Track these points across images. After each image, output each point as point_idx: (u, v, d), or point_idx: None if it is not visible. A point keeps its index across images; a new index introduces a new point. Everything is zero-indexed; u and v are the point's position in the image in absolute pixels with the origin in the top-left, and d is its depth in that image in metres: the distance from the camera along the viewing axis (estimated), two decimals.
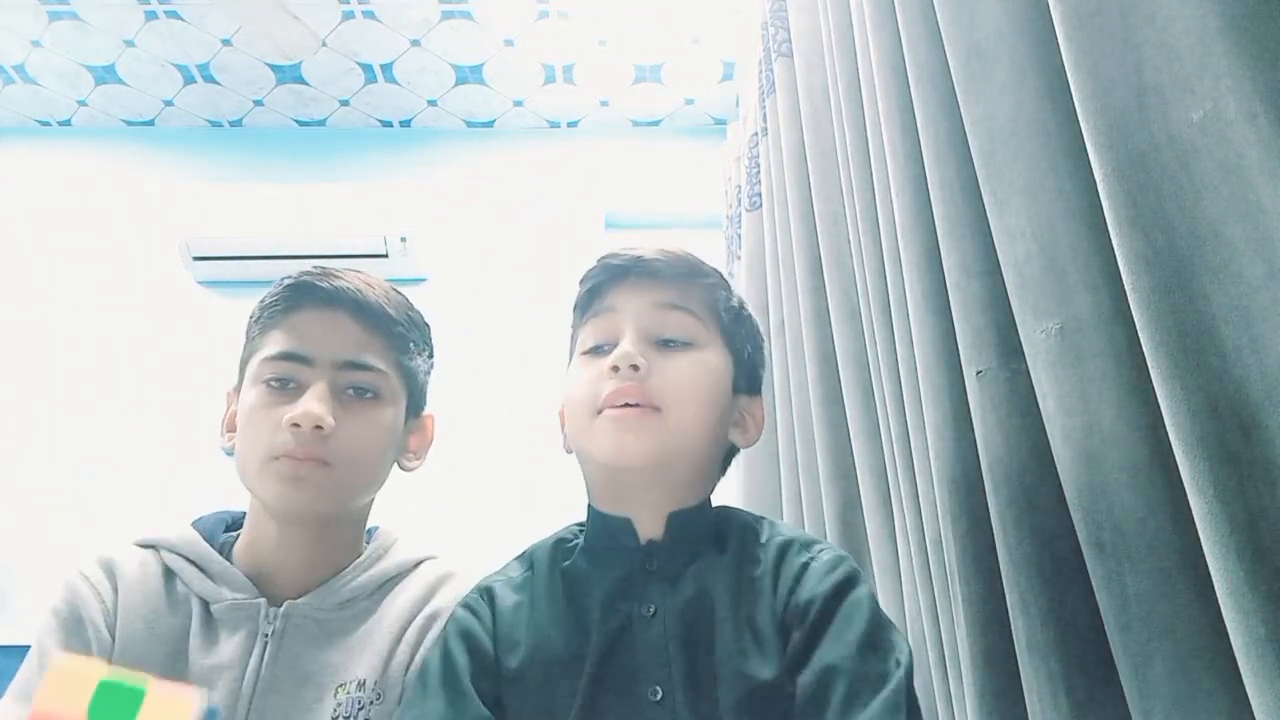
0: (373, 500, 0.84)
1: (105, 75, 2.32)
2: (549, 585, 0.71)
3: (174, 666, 0.72)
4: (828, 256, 1.15)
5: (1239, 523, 0.43)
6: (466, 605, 0.72)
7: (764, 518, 0.75)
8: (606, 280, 0.73)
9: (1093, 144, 0.53)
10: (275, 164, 2.49)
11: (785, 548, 0.69)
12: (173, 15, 2.12)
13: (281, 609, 0.76)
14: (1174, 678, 0.50)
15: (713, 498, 0.76)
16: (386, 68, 2.31)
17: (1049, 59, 0.62)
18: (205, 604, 0.76)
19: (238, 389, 0.81)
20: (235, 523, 0.84)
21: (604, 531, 0.72)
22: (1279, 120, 0.43)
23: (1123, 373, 0.55)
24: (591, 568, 0.71)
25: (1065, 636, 0.61)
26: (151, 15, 2.12)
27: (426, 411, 0.88)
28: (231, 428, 0.81)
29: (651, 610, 0.66)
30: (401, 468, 0.85)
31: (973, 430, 0.71)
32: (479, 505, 2.05)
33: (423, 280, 2.35)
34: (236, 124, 2.53)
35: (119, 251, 2.40)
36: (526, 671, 0.66)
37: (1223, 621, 0.45)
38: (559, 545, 0.74)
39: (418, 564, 0.85)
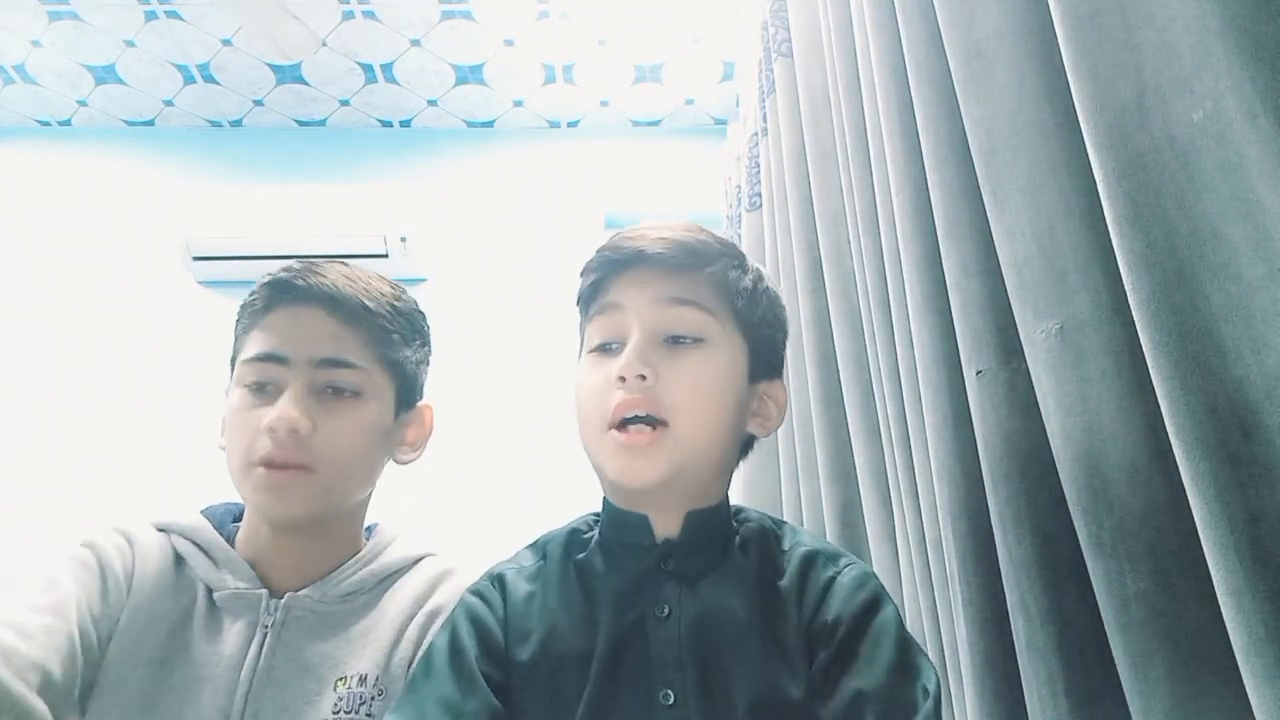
0: (369, 494, 0.83)
1: (105, 75, 2.32)
2: (562, 577, 0.69)
3: (174, 646, 0.72)
4: (828, 256, 1.15)
5: (1239, 523, 0.43)
6: (477, 592, 0.71)
7: (783, 521, 0.74)
8: (608, 273, 0.70)
9: (1093, 144, 0.53)
10: (275, 164, 2.49)
11: (810, 560, 0.67)
12: (173, 15, 2.12)
13: (283, 600, 0.76)
14: (1174, 678, 0.50)
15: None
16: (386, 68, 2.31)
17: (1049, 59, 0.62)
18: (209, 591, 0.76)
19: (229, 390, 0.81)
20: (241, 514, 0.84)
21: (619, 527, 0.70)
22: (1279, 120, 0.43)
23: (1123, 373, 0.55)
24: (605, 562, 0.69)
25: (1065, 637, 0.61)
26: (151, 15, 2.12)
27: (423, 402, 0.86)
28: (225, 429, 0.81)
29: (666, 611, 0.65)
30: (396, 461, 0.84)
31: (972, 430, 0.71)
32: (479, 504, 2.05)
33: (423, 280, 2.35)
34: (236, 124, 2.53)
35: (119, 251, 2.40)
36: (536, 664, 0.64)
37: (1223, 621, 0.45)
38: (573, 536, 0.73)
39: (418, 560, 0.84)
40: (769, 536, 0.70)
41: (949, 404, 0.76)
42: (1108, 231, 0.52)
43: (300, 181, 2.37)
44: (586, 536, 0.72)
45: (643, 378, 0.64)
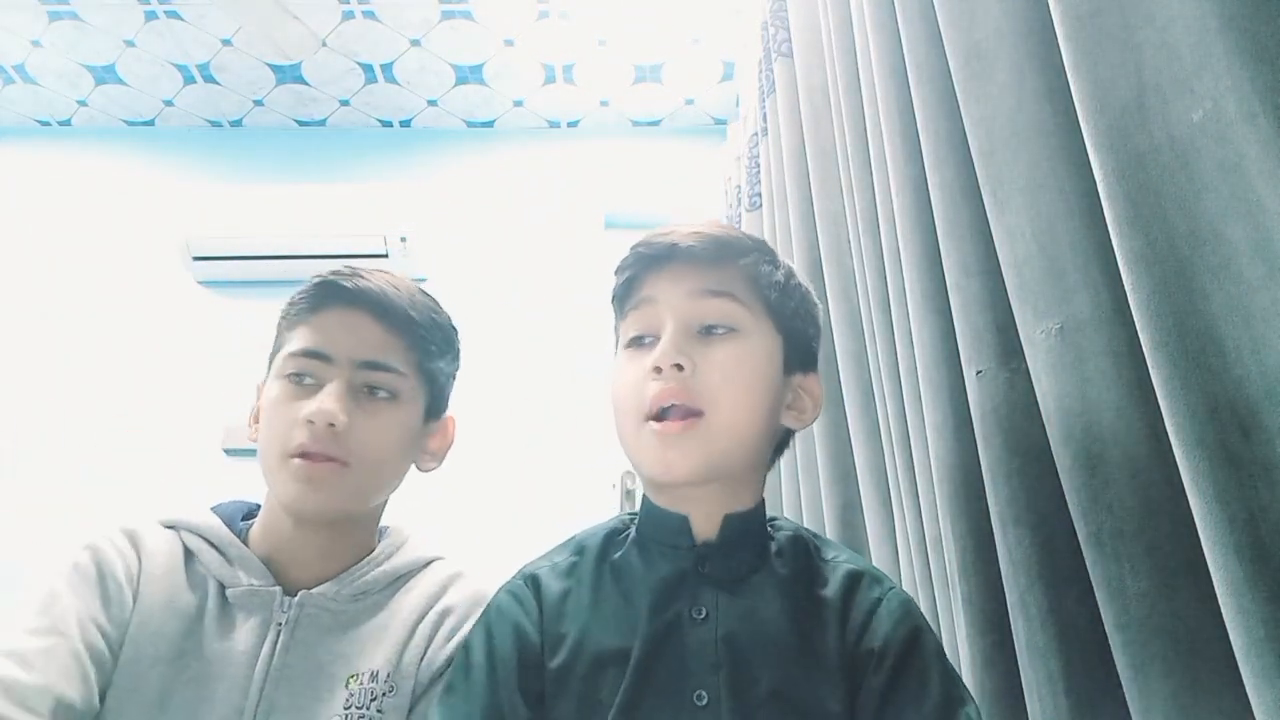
0: (387, 499, 0.85)
1: (105, 75, 2.32)
2: (597, 576, 0.69)
3: (187, 643, 0.73)
4: (828, 256, 1.15)
5: (1239, 523, 0.43)
6: (512, 593, 0.70)
7: (816, 533, 0.74)
8: (642, 270, 0.71)
9: (1093, 144, 0.53)
10: (275, 164, 2.49)
11: (856, 578, 0.67)
12: (173, 15, 2.12)
13: (296, 598, 0.76)
14: (1174, 678, 0.50)
15: None
16: (386, 68, 2.31)
17: (1049, 59, 0.62)
18: (221, 587, 0.77)
19: (264, 383, 0.82)
20: (251, 513, 0.85)
21: (658, 526, 0.69)
22: (1279, 120, 0.43)
23: (1123, 373, 0.55)
24: (642, 562, 0.69)
25: (1065, 637, 0.61)
26: (151, 15, 2.12)
27: (448, 414, 0.89)
28: (257, 420, 0.82)
29: (703, 614, 0.65)
30: (419, 468, 0.86)
31: (972, 430, 0.71)
32: (479, 504, 2.05)
33: (423, 280, 2.35)
34: (236, 124, 2.53)
35: (119, 251, 2.40)
36: (572, 665, 0.64)
37: (1223, 621, 0.44)
38: (611, 536, 0.72)
39: (429, 563, 0.86)
40: (807, 545, 0.71)
41: (949, 404, 0.76)
42: (1108, 231, 0.52)
43: (300, 181, 2.37)
44: (623, 536, 0.72)
45: (679, 367, 0.65)
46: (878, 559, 1.00)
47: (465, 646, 0.69)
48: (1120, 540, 0.54)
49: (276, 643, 0.74)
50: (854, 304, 1.08)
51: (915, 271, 0.83)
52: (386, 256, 2.25)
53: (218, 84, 2.36)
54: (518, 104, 2.45)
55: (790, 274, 0.73)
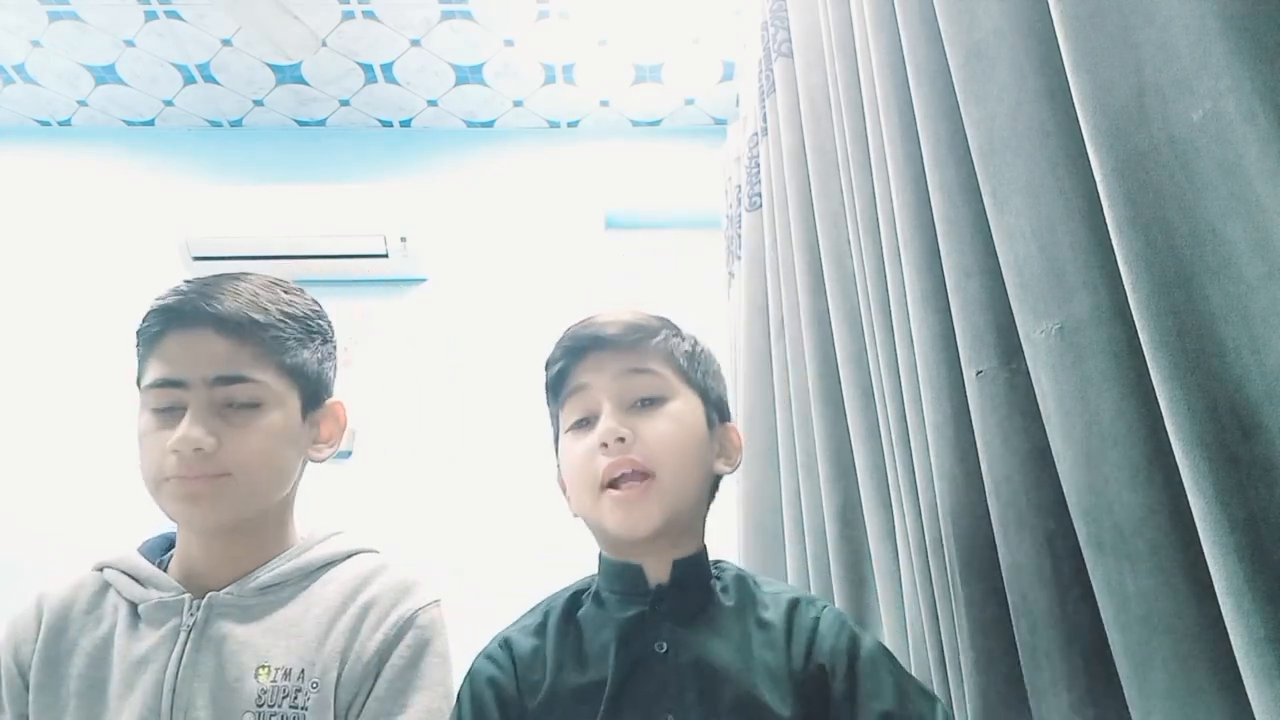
0: (291, 495, 0.86)
1: (105, 75, 2.32)
2: (563, 629, 0.77)
3: (98, 671, 0.76)
4: (828, 256, 1.15)
5: (1239, 523, 0.43)
6: (489, 657, 0.78)
7: (753, 573, 0.83)
8: (571, 361, 0.81)
9: (1092, 144, 0.53)
10: (275, 164, 2.49)
11: (794, 603, 0.77)
12: (173, 15, 2.12)
13: (204, 599, 0.78)
14: (1174, 678, 0.50)
15: (712, 508, 0.83)
16: (386, 68, 2.31)
17: (1049, 59, 0.62)
18: (133, 607, 0.79)
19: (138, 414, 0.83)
20: (171, 547, 0.87)
21: (616, 577, 0.78)
22: (1278, 120, 0.43)
23: (1123, 373, 0.55)
24: (605, 610, 0.77)
25: (1065, 637, 0.61)
26: (151, 15, 2.12)
27: (333, 399, 0.89)
28: None
29: (664, 648, 0.73)
30: (312, 459, 0.86)
31: (973, 431, 0.71)
32: (478, 503, 2.05)
33: (423, 280, 2.35)
34: (236, 124, 2.53)
35: (119, 251, 2.40)
36: (550, 702, 0.72)
37: (1223, 621, 0.44)
38: (574, 598, 0.81)
39: (351, 554, 0.86)
40: (748, 581, 0.81)
41: (949, 404, 0.76)
42: (1107, 231, 0.52)
43: (300, 181, 2.37)
44: (585, 594, 0.81)
45: (622, 440, 0.74)
46: (878, 559, 1.00)
47: (456, 704, 0.77)
48: (1120, 540, 0.54)
49: (186, 644, 0.76)
50: (854, 304, 1.08)
51: (915, 272, 0.83)
52: (386, 256, 2.25)
53: (218, 84, 2.36)
54: (518, 104, 2.45)
55: (695, 341, 0.84)
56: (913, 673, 0.80)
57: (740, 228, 1.78)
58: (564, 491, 0.85)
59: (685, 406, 0.79)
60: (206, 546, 0.81)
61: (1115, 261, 0.52)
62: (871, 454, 1.02)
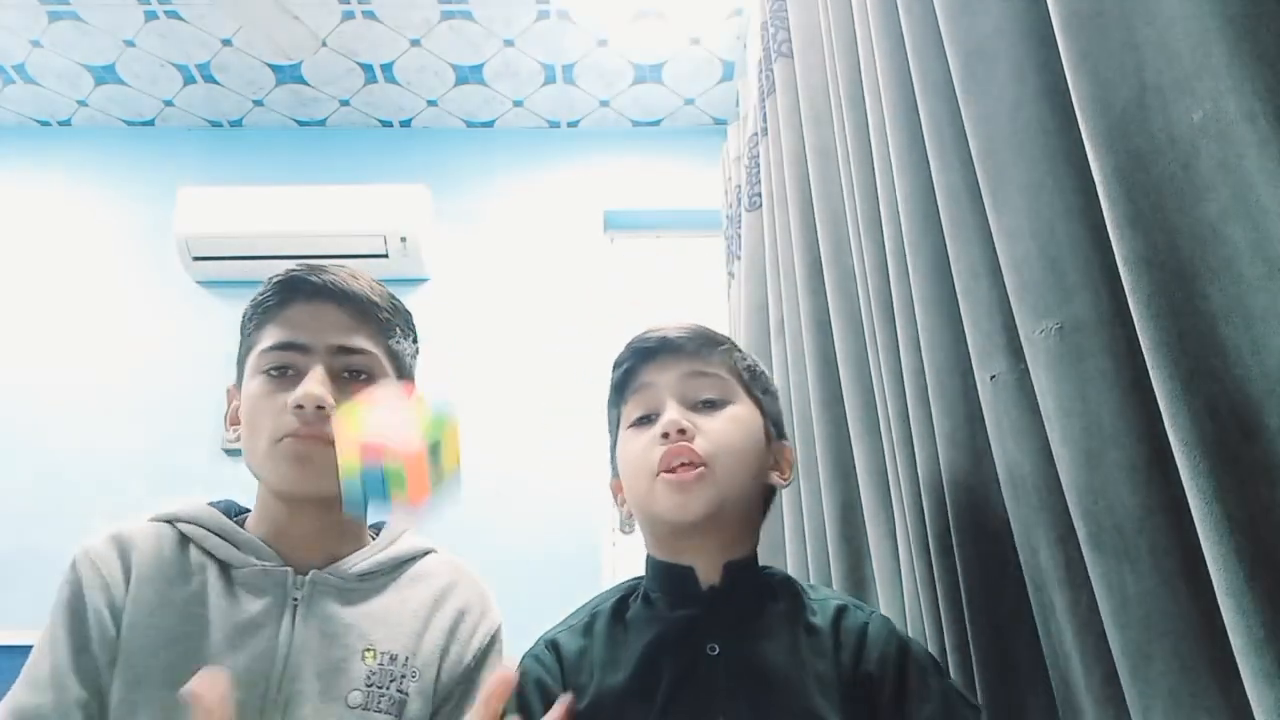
0: None
1: (105, 75, 2.32)
2: (612, 631, 0.78)
3: (189, 626, 0.76)
4: (828, 257, 1.16)
5: (1239, 523, 0.43)
6: (535, 658, 0.78)
7: (794, 577, 0.84)
8: (638, 362, 0.82)
9: (1093, 144, 0.53)
10: (275, 164, 2.49)
11: (842, 610, 0.77)
12: (173, 15, 2.12)
13: (309, 576, 0.80)
14: (1174, 678, 0.50)
15: None
16: (386, 68, 2.31)
17: (1049, 59, 0.62)
18: (223, 569, 0.80)
19: (238, 385, 0.86)
20: (240, 512, 0.88)
21: (666, 579, 0.79)
22: (1279, 121, 0.43)
23: (1123, 373, 0.55)
24: (654, 612, 0.78)
25: (1066, 638, 0.61)
26: (151, 15, 2.12)
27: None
28: (235, 422, 0.85)
29: (716, 650, 0.73)
30: None
31: (986, 435, 0.71)
32: (481, 503, 2.05)
33: (423, 280, 2.35)
34: (236, 124, 2.53)
35: (119, 251, 2.40)
36: (596, 707, 0.72)
37: (1223, 621, 0.45)
38: (623, 598, 0.81)
39: (425, 553, 0.90)
40: (796, 585, 0.81)
41: (962, 409, 0.76)
42: (1107, 231, 0.52)
43: (300, 181, 2.36)
44: (633, 596, 0.81)
45: (683, 431, 0.75)
46: (878, 559, 1.00)
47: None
48: (1120, 540, 0.54)
49: (295, 616, 0.78)
50: (854, 304, 1.08)
51: (916, 272, 0.83)
52: (386, 257, 2.25)
53: (218, 84, 2.36)
54: (518, 104, 2.45)
55: (756, 362, 0.87)
56: None
57: (740, 228, 1.78)
58: (615, 497, 0.86)
59: (745, 412, 0.80)
60: (293, 518, 0.82)
61: (1115, 261, 0.52)
62: (871, 455, 1.02)
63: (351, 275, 0.85)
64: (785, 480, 0.84)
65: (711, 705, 0.71)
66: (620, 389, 0.85)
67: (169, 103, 2.43)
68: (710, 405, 0.79)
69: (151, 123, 2.52)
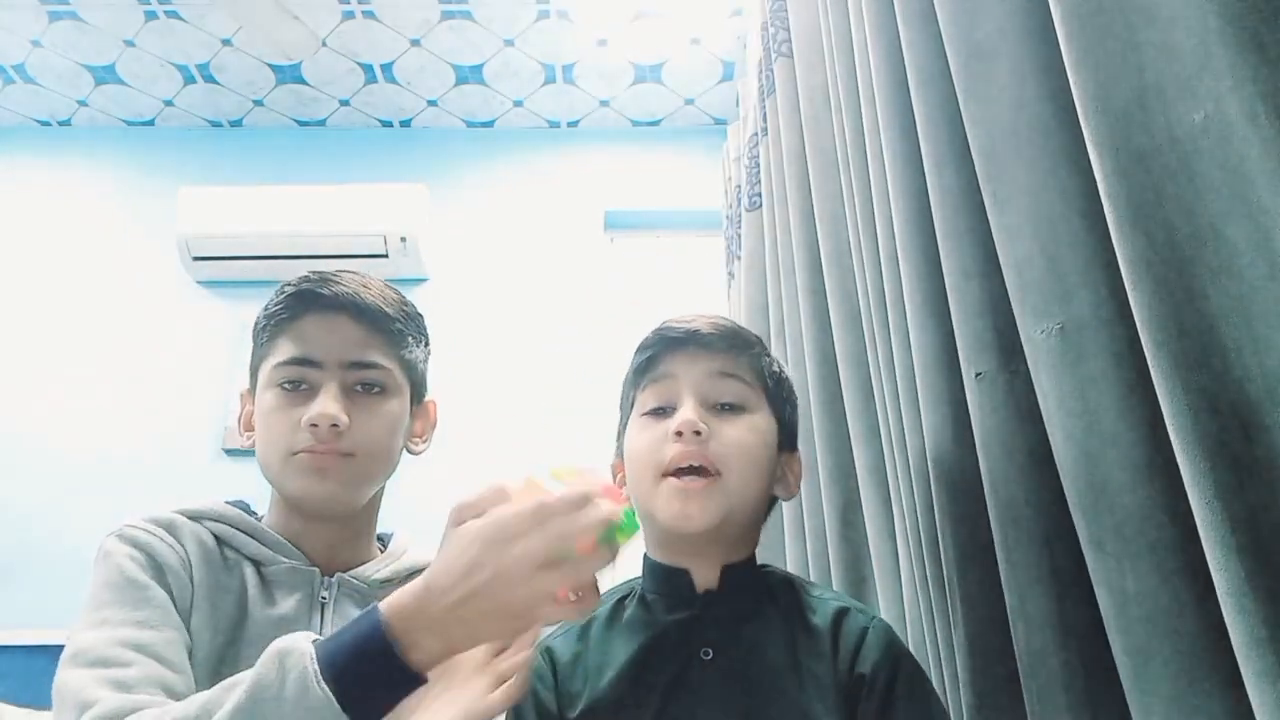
0: (383, 489, 0.89)
1: (105, 75, 2.32)
2: (607, 635, 0.77)
3: (240, 616, 0.77)
4: (828, 257, 1.16)
5: (1239, 523, 0.43)
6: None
7: (801, 577, 0.83)
8: (664, 350, 0.79)
9: (1093, 144, 0.53)
10: (275, 164, 2.49)
11: (843, 612, 0.76)
12: (173, 15, 2.12)
13: (334, 578, 0.82)
14: (1174, 678, 0.50)
15: None
16: (386, 68, 2.31)
17: (1049, 59, 0.62)
18: (257, 567, 0.80)
19: (251, 391, 0.86)
20: (251, 512, 0.88)
21: (661, 581, 0.78)
22: None
23: (1123, 373, 0.55)
24: (649, 615, 0.76)
25: (1065, 637, 0.61)
26: (151, 15, 2.12)
27: (428, 398, 0.93)
28: (249, 427, 0.85)
29: (710, 654, 0.72)
30: (409, 452, 0.90)
31: (972, 432, 0.71)
32: None
33: (423, 280, 2.35)
34: (236, 124, 2.53)
35: (119, 251, 2.40)
36: (590, 713, 0.71)
37: (1223, 621, 0.45)
38: (619, 600, 0.80)
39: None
40: (794, 584, 0.80)
41: (948, 406, 0.76)
42: (1108, 231, 0.52)
43: (300, 181, 2.37)
44: (628, 598, 0.80)
45: (698, 433, 0.73)
46: (878, 559, 1.00)
47: None
48: (1120, 540, 0.54)
49: (323, 615, 0.79)
50: (854, 304, 1.08)
51: (915, 272, 0.83)
52: (386, 257, 2.25)
53: (218, 84, 2.37)
54: (518, 104, 2.45)
55: (782, 368, 0.85)
56: None
57: (740, 228, 1.78)
58: (614, 476, 0.83)
59: (762, 422, 0.78)
60: (310, 528, 0.82)
61: (1116, 262, 0.52)
62: (871, 454, 1.02)
63: (363, 284, 0.84)
64: (789, 494, 0.83)
65: (706, 708, 0.70)
66: (640, 373, 0.82)
67: (169, 103, 2.43)
68: (730, 410, 0.77)
69: (151, 123, 2.52)
